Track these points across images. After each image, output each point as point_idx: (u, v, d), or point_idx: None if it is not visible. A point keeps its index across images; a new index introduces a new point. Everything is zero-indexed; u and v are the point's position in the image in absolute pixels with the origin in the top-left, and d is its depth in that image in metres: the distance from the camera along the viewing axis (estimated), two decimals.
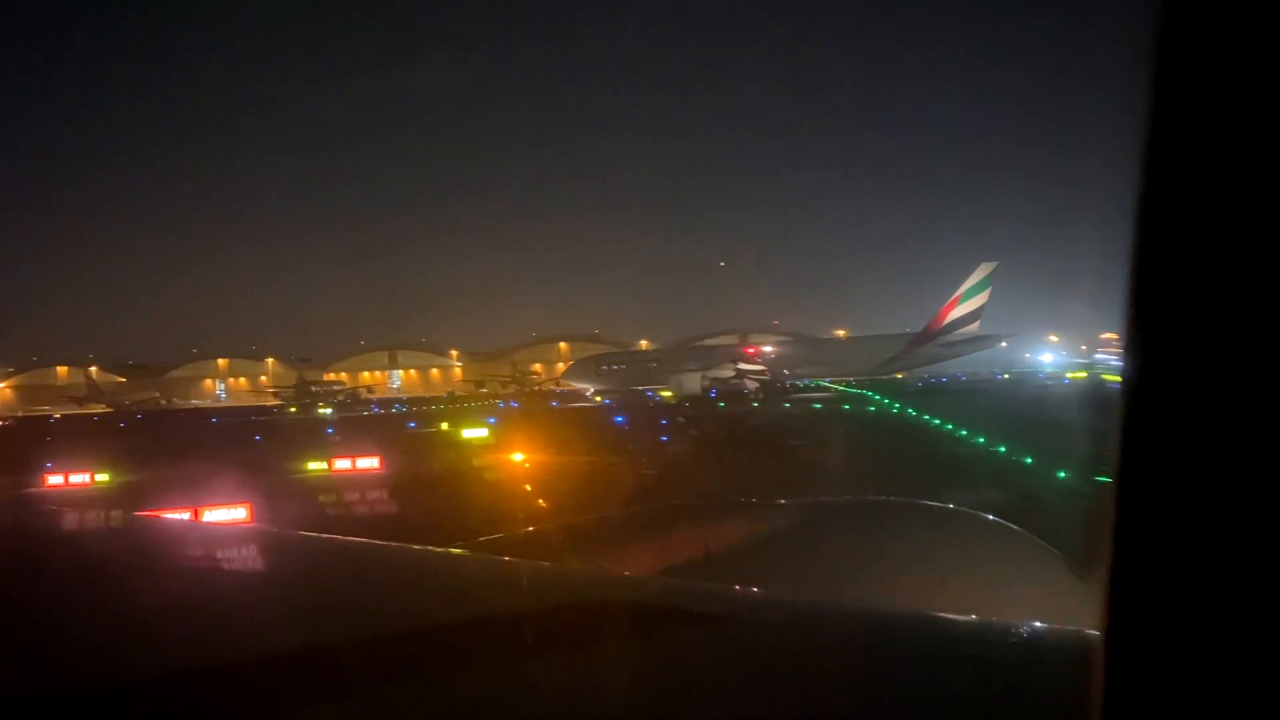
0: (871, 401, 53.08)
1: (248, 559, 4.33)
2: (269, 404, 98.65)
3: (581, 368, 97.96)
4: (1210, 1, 1.26)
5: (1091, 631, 1.46)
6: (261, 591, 3.51)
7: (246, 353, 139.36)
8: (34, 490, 26.90)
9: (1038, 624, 2.49)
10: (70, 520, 6.13)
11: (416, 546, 4.57)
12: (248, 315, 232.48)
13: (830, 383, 77.23)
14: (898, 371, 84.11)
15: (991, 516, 5.70)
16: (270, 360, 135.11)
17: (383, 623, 2.79)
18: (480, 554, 5.29)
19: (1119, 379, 1.30)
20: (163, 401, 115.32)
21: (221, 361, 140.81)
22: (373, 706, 2.06)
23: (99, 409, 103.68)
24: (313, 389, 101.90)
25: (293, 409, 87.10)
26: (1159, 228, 1.27)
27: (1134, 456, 1.28)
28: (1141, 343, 1.28)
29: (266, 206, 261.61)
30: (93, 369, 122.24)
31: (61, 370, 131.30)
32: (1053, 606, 3.86)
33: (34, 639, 2.63)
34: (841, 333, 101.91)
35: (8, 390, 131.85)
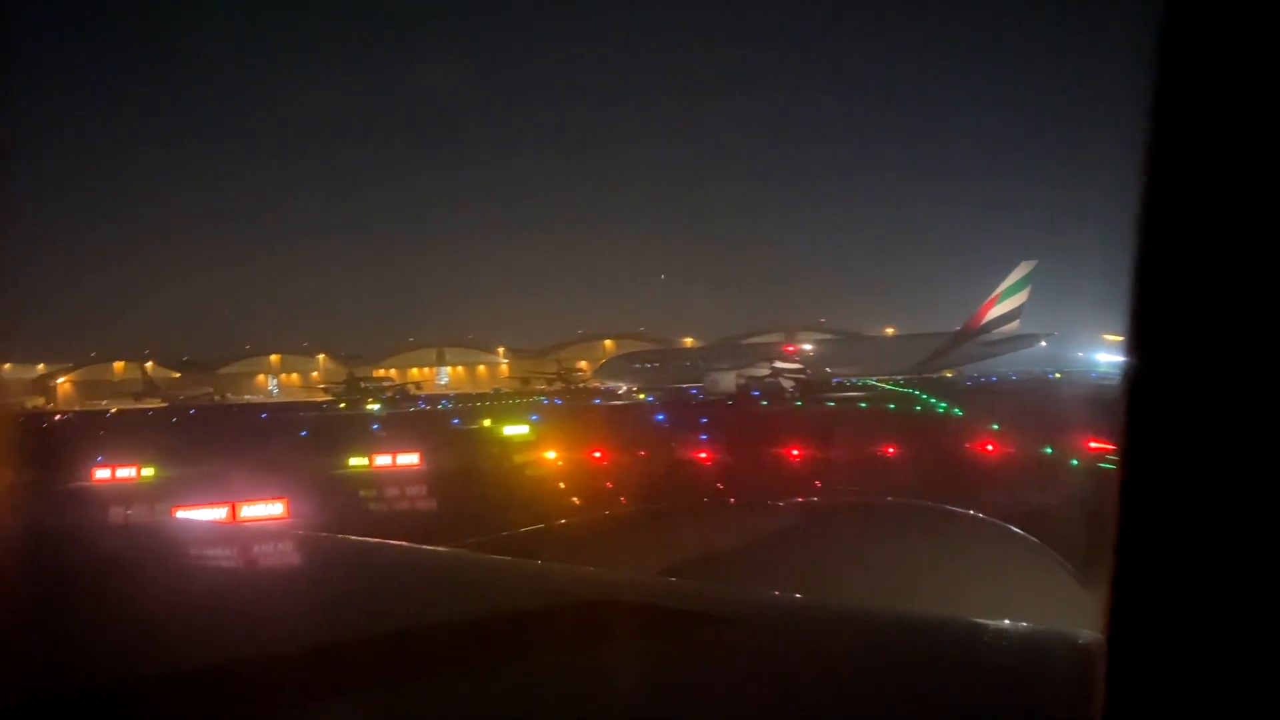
0: (917, 400, 52.33)
1: (250, 558, 4.34)
2: (319, 400, 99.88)
3: (613, 366, 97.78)
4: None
5: (1093, 635, 1.49)
6: (263, 590, 3.51)
7: (298, 349, 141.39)
8: (82, 484, 27.51)
9: (1039, 627, 2.52)
10: (82, 519, 6.13)
11: (419, 545, 4.54)
12: (300, 312, 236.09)
13: (877, 381, 76.35)
14: (943, 370, 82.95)
15: (991, 519, 5.57)
16: (321, 357, 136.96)
17: (383, 621, 2.80)
18: (480, 553, 5.26)
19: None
20: (216, 397, 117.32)
21: (274, 357, 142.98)
22: (372, 705, 2.07)
23: (154, 404, 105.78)
24: (362, 385, 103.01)
25: (342, 405, 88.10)
26: (1160, 236, 1.27)
27: (1136, 463, 1.29)
28: (1143, 349, 1.28)
29: (320, 205, 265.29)
30: (148, 365, 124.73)
31: (119, 366, 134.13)
32: (1054, 610, 3.81)
33: (38, 638, 2.62)
34: (890, 331, 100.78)
35: (67, 385, 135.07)
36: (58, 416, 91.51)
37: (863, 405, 53.45)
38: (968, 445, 27.34)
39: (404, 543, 4.58)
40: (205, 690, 2.13)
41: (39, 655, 2.43)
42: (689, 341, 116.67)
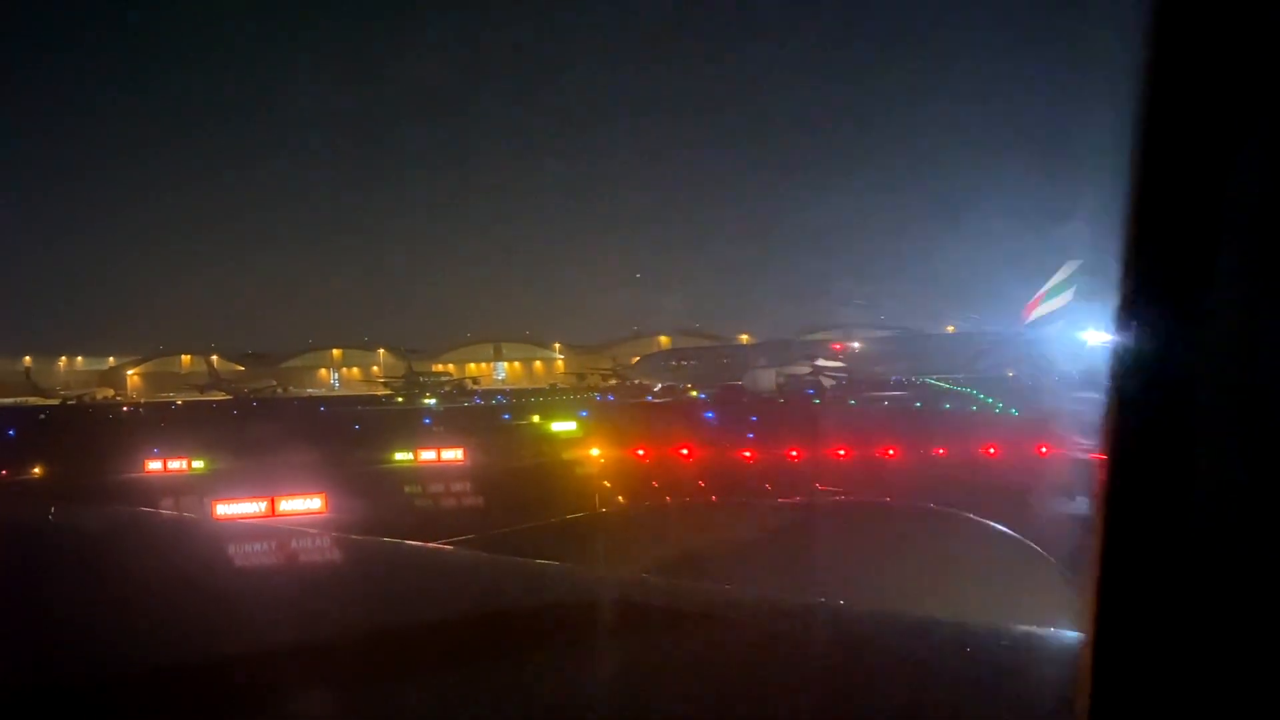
0: (972, 399, 51.21)
1: (251, 556, 4.42)
2: (379, 393, 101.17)
3: (649, 362, 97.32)
4: None
5: (1079, 633, 1.49)
6: (261, 587, 3.59)
7: (359, 343, 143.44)
8: (133, 476, 28.03)
9: (1025, 626, 2.52)
10: (92, 517, 6.20)
11: (410, 542, 4.59)
12: (361, 307, 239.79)
13: (936, 380, 74.91)
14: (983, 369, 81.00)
15: (982, 520, 5.70)
16: (381, 351, 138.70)
17: (373, 616, 2.86)
18: (475, 551, 5.42)
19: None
20: (279, 390, 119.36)
21: (335, 351, 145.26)
22: (363, 696, 2.10)
23: (219, 396, 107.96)
24: (421, 379, 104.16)
25: (399, 399, 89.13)
26: (1149, 234, 1.27)
27: (1120, 465, 1.28)
28: (1129, 352, 1.27)
29: (382, 200, 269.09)
30: (214, 357, 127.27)
31: (185, 358, 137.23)
32: (1043, 610, 3.78)
33: (34, 633, 2.71)
34: (951, 329, 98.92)
35: (136, 377, 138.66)
36: (125, 408, 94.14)
37: (916, 405, 52.44)
38: (1020, 446, 26.57)
39: (397, 540, 4.62)
40: (194, 684, 2.16)
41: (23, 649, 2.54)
42: (745, 338, 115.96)
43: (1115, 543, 1.29)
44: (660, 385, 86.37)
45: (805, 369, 77.29)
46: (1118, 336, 1.28)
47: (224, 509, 18.91)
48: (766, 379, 76.42)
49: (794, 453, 29.24)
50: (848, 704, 2.12)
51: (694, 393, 78.29)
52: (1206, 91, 1.25)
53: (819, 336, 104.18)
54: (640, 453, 29.06)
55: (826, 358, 78.67)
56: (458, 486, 23.54)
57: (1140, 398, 1.29)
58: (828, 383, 74.06)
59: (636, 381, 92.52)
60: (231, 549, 4.53)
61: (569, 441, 34.29)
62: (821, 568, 4.79)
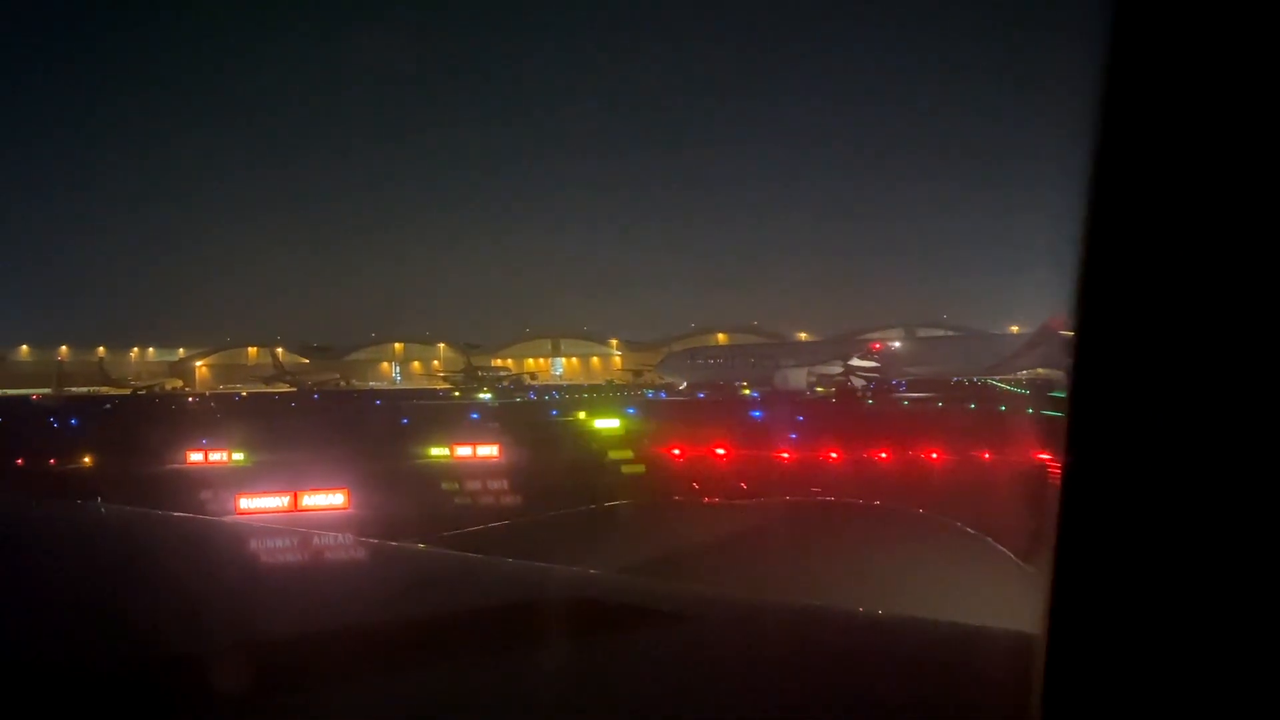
0: (1026, 401, 49.82)
1: (247, 555, 4.52)
2: (437, 387, 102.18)
3: (675, 361, 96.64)
4: None
5: (1033, 632, 1.46)
6: (250, 586, 3.59)
7: (421, 338, 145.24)
8: (176, 467, 28.50)
9: (980, 624, 2.53)
10: (95, 516, 6.29)
11: (391, 542, 4.73)
12: (424, 302, 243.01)
13: (999, 381, 73.20)
14: (1020, 370, 78.69)
15: (946, 519, 5.75)
16: (442, 345, 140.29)
17: (352, 616, 2.89)
18: (451, 550, 5.51)
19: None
20: (341, 383, 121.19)
21: (397, 345, 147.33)
22: (348, 696, 2.13)
23: (283, 388, 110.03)
24: (479, 374, 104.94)
25: (456, 393, 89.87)
26: (1107, 229, 1.28)
27: (1077, 462, 1.29)
28: (1086, 349, 1.29)
29: (443, 197, 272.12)
30: (279, 350, 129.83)
31: (252, 351, 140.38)
32: (1003, 609, 3.68)
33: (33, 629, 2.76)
34: (1015, 329, 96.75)
35: (204, 368, 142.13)
36: (189, 399, 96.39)
37: (971, 406, 51.16)
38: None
39: (378, 540, 4.77)
40: (168, 682, 2.19)
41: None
42: (803, 336, 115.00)
43: (1069, 541, 1.29)
44: (685, 384, 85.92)
45: (836, 369, 76.29)
46: (1076, 334, 1.29)
47: (247, 503, 19.03)
48: (797, 378, 75.55)
49: (833, 454, 28.71)
50: (800, 701, 2.13)
51: (747, 390, 77.53)
52: (1167, 84, 1.26)
53: (877, 335, 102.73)
54: (676, 452, 28.69)
55: (861, 357, 77.42)
56: (487, 484, 23.27)
57: (1095, 395, 1.30)
58: (858, 383, 73.00)
59: (663, 380, 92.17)
60: (217, 547, 4.57)
61: (611, 439, 34.03)
62: (787, 567, 4.85)
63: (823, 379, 75.39)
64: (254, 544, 4.76)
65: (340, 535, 5.10)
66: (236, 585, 3.55)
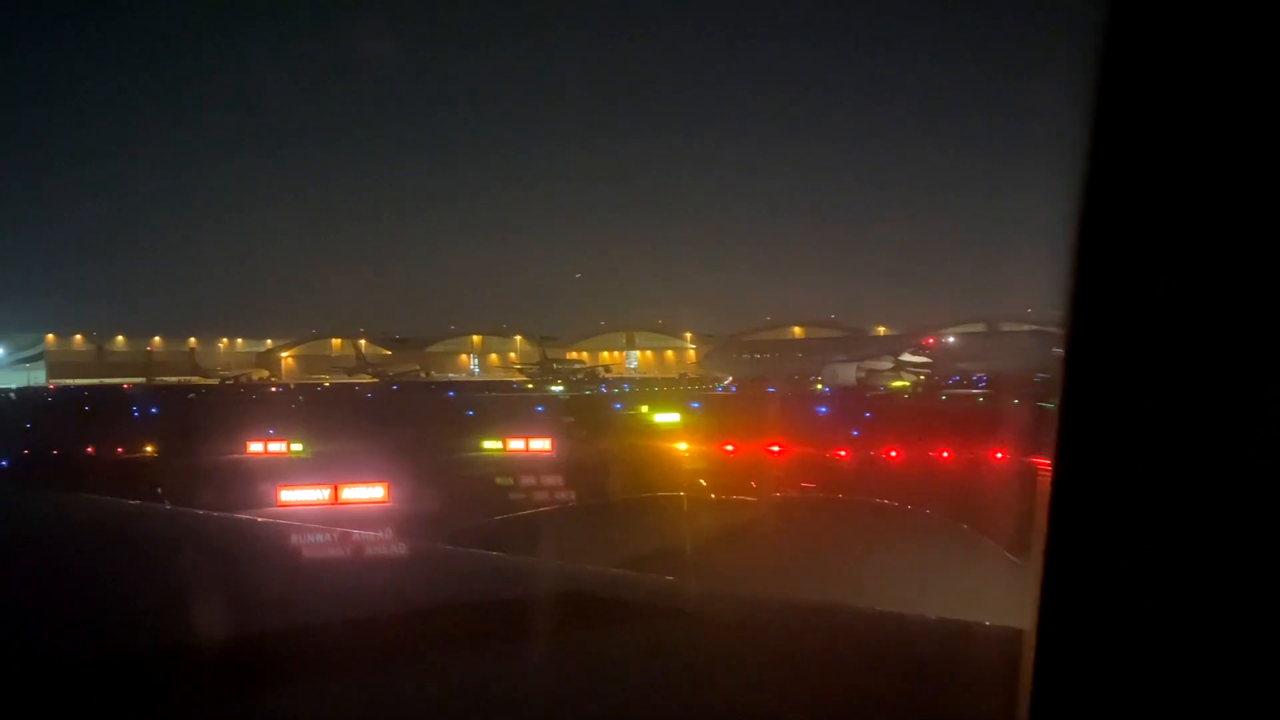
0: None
1: (245, 550, 4.55)
2: (511, 379, 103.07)
3: (721, 354, 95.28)
4: None
5: (1022, 628, 1.45)
6: (250, 579, 3.64)
7: (498, 330, 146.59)
8: (235, 457, 29.05)
9: (971, 620, 2.53)
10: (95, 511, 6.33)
11: (389, 538, 4.84)
12: (503, 295, 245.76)
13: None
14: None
15: (941, 516, 6.03)
16: (518, 338, 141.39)
17: (347, 610, 2.93)
18: (448, 545, 5.62)
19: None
20: (421, 374, 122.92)
21: (476, 338, 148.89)
22: (346, 687, 2.16)
23: (365, 379, 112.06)
24: (554, 367, 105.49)
25: (529, 385, 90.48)
26: (1100, 228, 1.28)
27: (1067, 459, 1.29)
28: (1078, 348, 1.29)
29: (523, 191, 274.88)
30: (361, 341, 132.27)
31: (336, 342, 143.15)
32: (996, 605, 3.64)
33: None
34: None
35: (289, 359, 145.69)
36: (271, 389, 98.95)
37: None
38: None
39: (377, 534, 4.89)
40: (168, 674, 2.22)
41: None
42: (882, 330, 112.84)
43: (1059, 538, 1.30)
44: (730, 378, 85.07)
45: (886, 364, 74.70)
46: (1067, 333, 1.29)
47: (288, 495, 19.18)
48: (846, 373, 74.29)
49: (893, 453, 27.94)
50: (795, 692, 2.15)
51: (820, 386, 76.36)
52: (1160, 83, 1.26)
53: (959, 329, 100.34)
54: (729, 448, 28.21)
55: (914, 352, 75.70)
56: (534, 478, 23.04)
57: (1086, 394, 1.30)
58: (909, 378, 71.47)
59: (708, 374, 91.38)
60: (225, 544, 4.62)
61: (669, 433, 33.68)
62: (773, 560, 4.93)
63: (871, 374, 74.01)
64: (250, 539, 4.81)
65: (344, 531, 5.08)
66: (220, 580, 3.54)
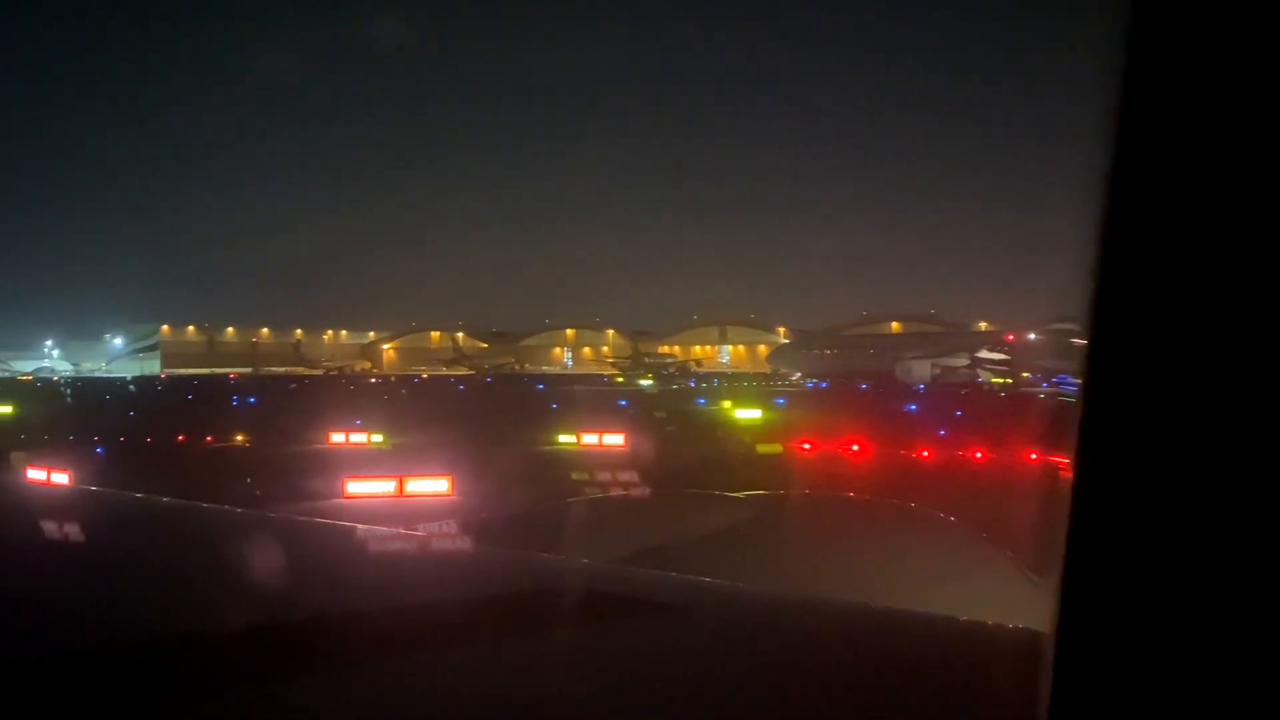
0: None
1: (241, 544, 4.49)
2: (603, 373, 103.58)
3: (787, 351, 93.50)
4: None
5: (1040, 630, 1.44)
6: (245, 574, 3.60)
7: (592, 324, 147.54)
8: (317, 447, 29.64)
9: (986, 621, 2.49)
10: (97, 505, 6.50)
11: (386, 530, 4.82)
12: (598, 289, 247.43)
13: None
14: None
15: (947, 517, 5.79)
16: (610, 331, 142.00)
17: (341, 604, 2.93)
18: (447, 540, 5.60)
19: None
20: (516, 367, 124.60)
21: (569, 331, 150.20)
22: (340, 682, 2.16)
23: (462, 371, 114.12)
24: (646, 360, 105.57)
25: (619, 379, 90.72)
26: (1123, 232, 1.26)
27: (1089, 461, 1.28)
28: (1100, 349, 1.28)
29: (618, 189, 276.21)
30: (459, 334, 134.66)
31: (434, 335, 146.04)
32: (1006, 606, 3.67)
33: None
34: None
35: (391, 351, 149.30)
36: (371, 380, 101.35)
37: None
38: None
39: (375, 527, 4.84)
40: (162, 667, 2.24)
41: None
42: (984, 325, 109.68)
43: (1081, 541, 1.28)
44: (797, 375, 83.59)
45: (962, 361, 72.55)
46: (1089, 336, 1.27)
47: (354, 487, 19.38)
48: (921, 370, 72.36)
49: (978, 454, 26.97)
50: (808, 694, 2.14)
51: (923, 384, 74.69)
52: (1185, 81, 1.24)
53: (1064, 325, 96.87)
54: (806, 446, 27.61)
55: (992, 349, 73.24)
56: (603, 473, 22.88)
57: (1106, 396, 1.28)
58: (985, 375, 69.22)
59: (773, 370, 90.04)
60: (234, 538, 4.58)
61: (749, 430, 33.18)
62: (778, 558, 4.84)
63: (946, 371, 71.97)
64: (261, 535, 4.65)
65: (356, 526, 5.02)
66: (230, 577, 3.52)
